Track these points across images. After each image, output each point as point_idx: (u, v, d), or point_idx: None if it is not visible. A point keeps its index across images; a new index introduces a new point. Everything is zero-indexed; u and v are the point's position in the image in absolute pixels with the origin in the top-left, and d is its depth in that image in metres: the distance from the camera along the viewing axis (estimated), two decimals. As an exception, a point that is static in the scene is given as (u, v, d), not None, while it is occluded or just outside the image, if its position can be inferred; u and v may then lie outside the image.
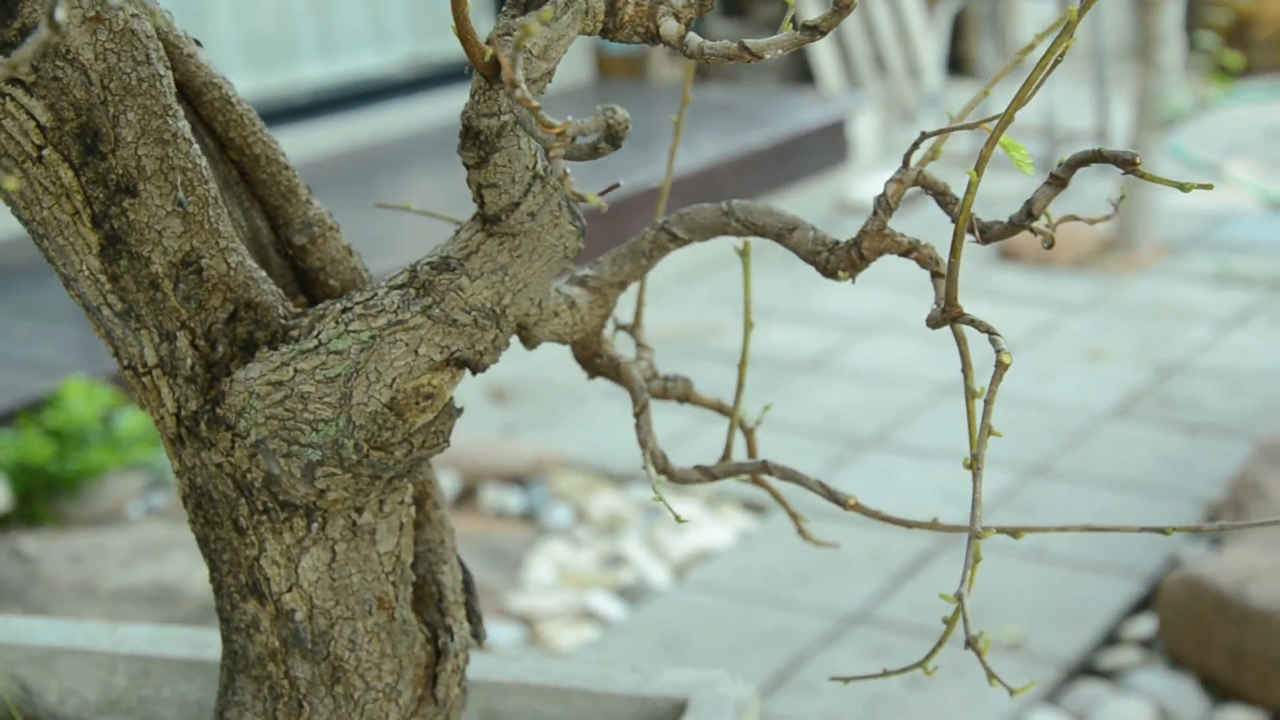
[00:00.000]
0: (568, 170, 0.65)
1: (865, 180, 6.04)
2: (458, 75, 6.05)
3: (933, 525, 0.77)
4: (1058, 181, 0.70)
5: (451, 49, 6.19)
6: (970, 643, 0.71)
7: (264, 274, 0.70)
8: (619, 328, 0.91)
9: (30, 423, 3.20)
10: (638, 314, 0.89)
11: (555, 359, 4.36)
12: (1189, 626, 2.72)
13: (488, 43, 0.66)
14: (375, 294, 0.69)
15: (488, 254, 0.68)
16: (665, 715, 0.86)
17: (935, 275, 0.73)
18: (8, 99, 0.67)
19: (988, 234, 0.72)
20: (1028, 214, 0.68)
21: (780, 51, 0.64)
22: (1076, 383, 4.20)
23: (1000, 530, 0.74)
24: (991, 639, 2.78)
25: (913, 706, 2.65)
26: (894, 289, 4.92)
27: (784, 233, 0.74)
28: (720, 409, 0.90)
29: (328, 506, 0.69)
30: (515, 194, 0.66)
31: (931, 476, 3.61)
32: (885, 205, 0.71)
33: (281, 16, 5.77)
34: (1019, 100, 0.67)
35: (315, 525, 0.70)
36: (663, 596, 3.14)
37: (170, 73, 0.68)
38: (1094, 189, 5.82)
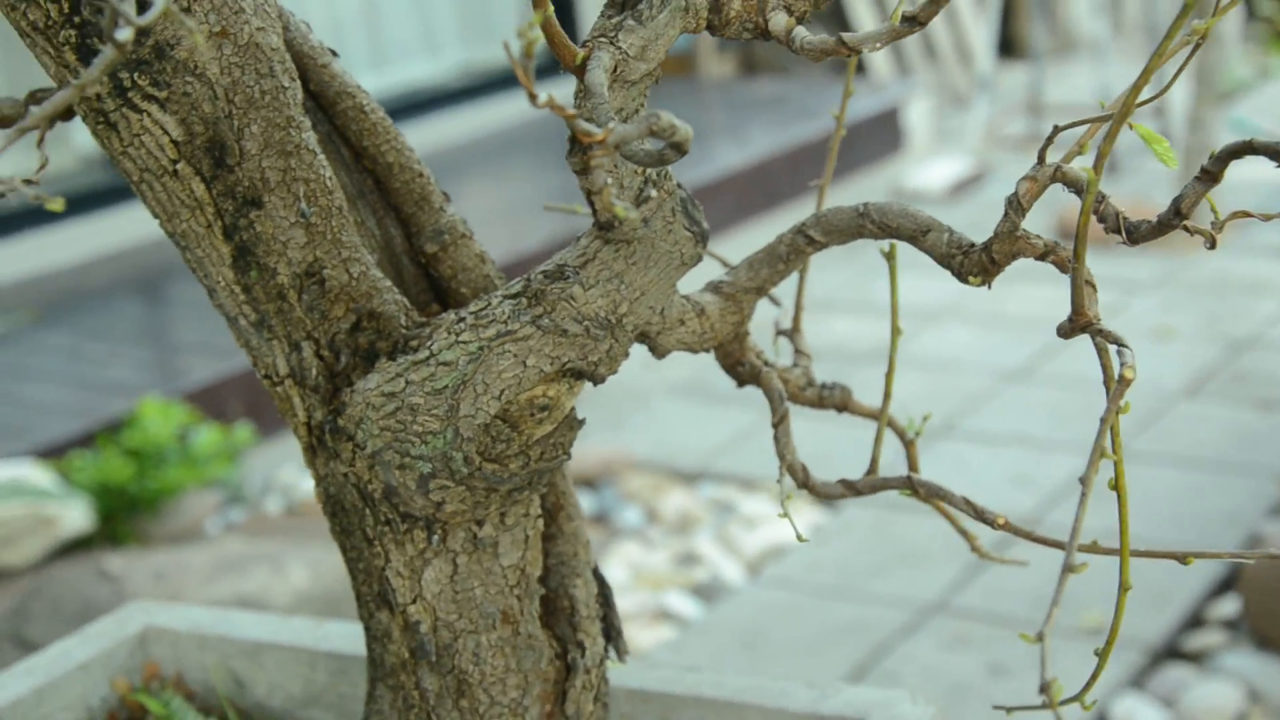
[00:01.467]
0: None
1: (920, 167, 6.00)
2: (510, 81, 6.08)
3: (1086, 549, 0.73)
4: (1208, 176, 0.65)
5: (501, 56, 6.22)
6: (1043, 688, 0.67)
7: (389, 284, 0.70)
8: (779, 333, 0.89)
9: (109, 444, 3.26)
10: (796, 319, 0.87)
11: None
12: (1275, 604, 2.68)
13: (583, 44, 0.65)
14: (489, 304, 0.68)
15: (604, 261, 0.66)
16: None
17: (1085, 282, 0.71)
18: (145, 115, 0.68)
19: (1135, 234, 0.68)
20: (1176, 212, 0.65)
21: (879, 45, 0.63)
22: (1146, 362, 4.15)
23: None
24: (1073, 625, 2.75)
25: (997, 695, 2.63)
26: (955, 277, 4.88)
27: (918, 235, 0.70)
28: (881, 419, 0.87)
29: (446, 519, 0.69)
30: (626, 200, 0.65)
31: (1001, 463, 3.59)
32: (1017, 206, 0.67)
33: (331, 28, 5.82)
34: (1139, 85, 0.65)
35: (436, 537, 0.70)
36: (738, 593, 3.14)
37: (296, 84, 0.68)
38: (1154, 166, 5.75)
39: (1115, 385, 0.54)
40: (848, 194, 5.74)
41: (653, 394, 4.16)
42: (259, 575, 2.91)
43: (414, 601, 0.71)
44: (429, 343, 0.66)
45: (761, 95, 6.50)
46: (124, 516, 3.13)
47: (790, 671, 2.80)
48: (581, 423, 0.71)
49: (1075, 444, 3.67)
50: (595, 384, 0.70)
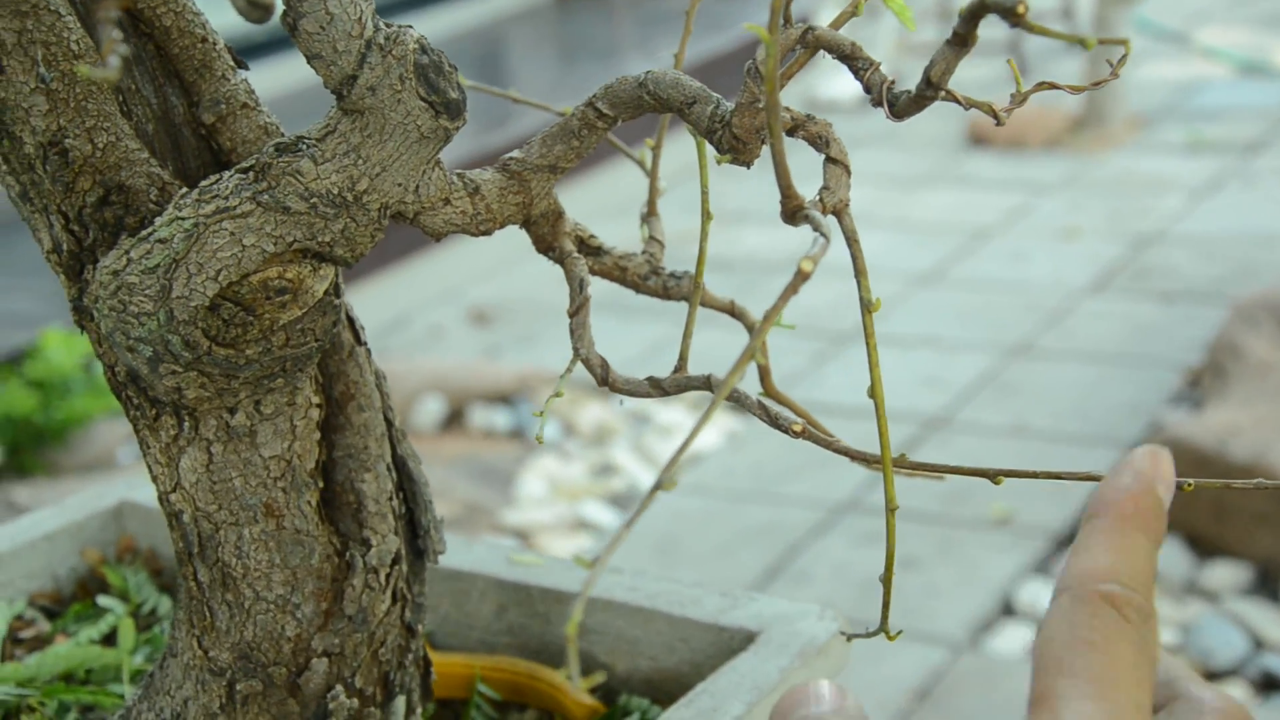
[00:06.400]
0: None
1: (832, 78, 6.00)
2: None
3: (849, 453, 0.68)
4: (958, 39, 0.54)
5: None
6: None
7: (144, 156, 0.66)
8: (644, 219, 0.83)
9: (11, 375, 3.21)
10: (650, 202, 0.81)
11: (534, 278, 4.36)
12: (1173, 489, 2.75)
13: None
14: (220, 179, 0.64)
15: (342, 134, 0.62)
16: (739, 646, 0.82)
17: (827, 159, 0.65)
18: None
19: (896, 107, 0.61)
20: (928, 82, 0.58)
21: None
22: (1053, 262, 4.21)
23: (913, 470, 0.65)
24: (981, 515, 2.81)
25: (906, 589, 2.69)
26: (869, 183, 4.90)
27: (685, 105, 0.64)
28: (732, 312, 0.81)
29: (192, 405, 0.67)
30: (346, 66, 0.61)
31: (913, 365, 3.63)
32: (755, 74, 0.60)
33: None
34: None
35: (186, 424, 0.67)
36: (654, 501, 3.17)
37: None
38: (1061, 69, 5.78)
39: (794, 277, 0.48)
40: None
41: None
42: (170, 501, 2.90)
43: (174, 490, 0.68)
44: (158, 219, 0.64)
45: (672, 9, 6.45)
46: (31, 448, 3.09)
47: (703, 575, 2.83)
48: (337, 309, 0.67)
49: (984, 344, 3.72)
50: (340, 266, 0.66)
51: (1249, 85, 5.65)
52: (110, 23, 0.39)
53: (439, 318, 4.27)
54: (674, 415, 3.59)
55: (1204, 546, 2.71)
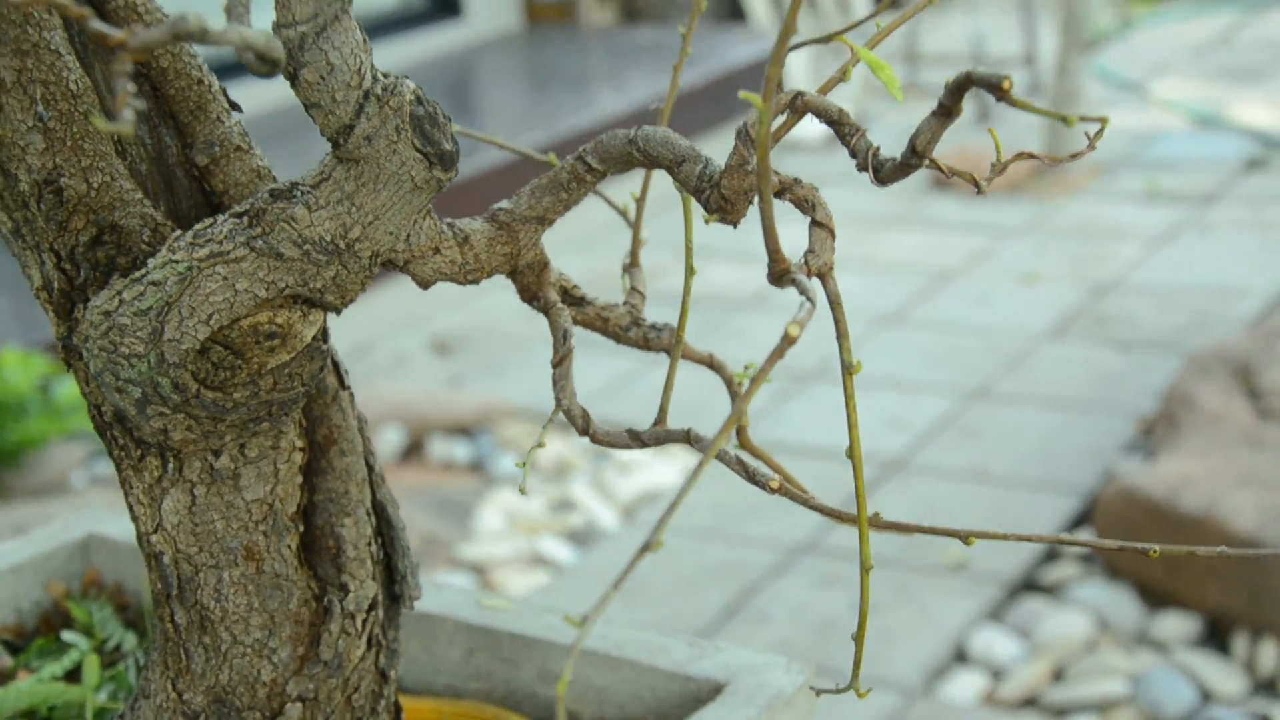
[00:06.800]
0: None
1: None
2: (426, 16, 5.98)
3: (825, 511, 0.70)
4: (944, 110, 0.56)
5: None
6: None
7: (138, 196, 0.66)
8: (626, 269, 0.85)
9: (-34, 396, 3.17)
10: (633, 253, 0.83)
11: (497, 308, 4.35)
12: (1127, 537, 2.78)
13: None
14: (214, 223, 0.65)
15: (337, 181, 0.63)
16: (706, 696, 0.82)
17: (813, 222, 0.67)
18: None
19: (881, 173, 0.64)
20: (913, 151, 0.60)
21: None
22: (1014, 306, 4.25)
23: (885, 527, 0.68)
24: (935, 562, 2.82)
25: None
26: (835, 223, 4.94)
27: (674, 164, 0.66)
28: (712, 365, 0.83)
29: (178, 447, 0.67)
30: (344, 115, 0.62)
31: (875, 405, 3.65)
32: (746, 137, 0.62)
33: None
34: (877, 11, 0.64)
35: (171, 466, 0.68)
36: (612, 538, 3.17)
37: None
38: (1022, 119, 5.85)
39: (780, 342, 0.50)
40: (727, 142, 5.75)
41: (532, 342, 4.15)
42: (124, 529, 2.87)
43: (155, 531, 0.69)
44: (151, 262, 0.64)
45: (642, 42, 6.49)
46: (-17, 470, 3.06)
47: (662, 615, 2.83)
48: (325, 354, 0.68)
49: (945, 386, 3.75)
50: (330, 313, 0.67)
51: (1204, 137, 5.74)
52: (125, 75, 0.39)
53: (402, 346, 4.26)
54: (633, 453, 3.59)
55: (1155, 597, 2.74)
